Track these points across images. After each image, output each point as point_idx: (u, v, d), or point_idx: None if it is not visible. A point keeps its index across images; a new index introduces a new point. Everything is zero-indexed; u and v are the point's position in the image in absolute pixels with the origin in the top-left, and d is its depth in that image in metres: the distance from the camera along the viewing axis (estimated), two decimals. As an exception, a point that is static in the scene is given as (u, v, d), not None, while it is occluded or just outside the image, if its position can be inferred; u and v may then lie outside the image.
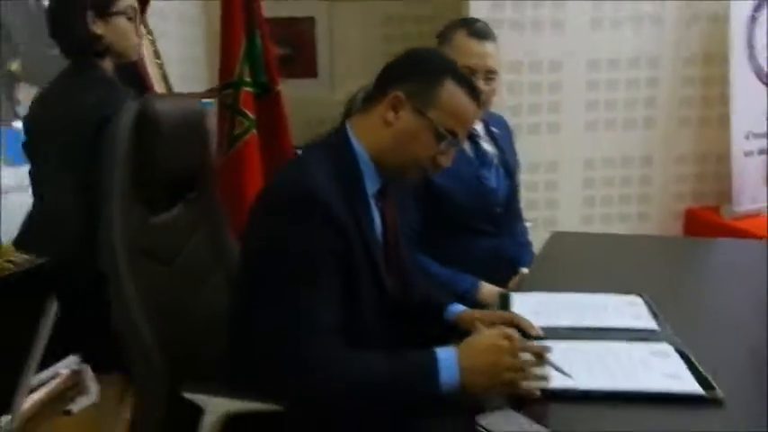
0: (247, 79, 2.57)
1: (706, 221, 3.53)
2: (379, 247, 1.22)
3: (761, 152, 3.54)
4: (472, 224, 1.79)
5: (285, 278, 1.07)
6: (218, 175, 2.56)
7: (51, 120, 1.68)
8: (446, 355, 1.03)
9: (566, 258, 1.94)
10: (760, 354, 1.23)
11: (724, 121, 3.48)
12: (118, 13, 1.74)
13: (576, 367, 1.10)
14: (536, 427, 0.89)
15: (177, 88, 3.11)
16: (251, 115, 2.57)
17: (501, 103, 3.45)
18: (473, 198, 1.79)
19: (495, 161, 1.86)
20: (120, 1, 1.75)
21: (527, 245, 2.01)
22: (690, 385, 1.08)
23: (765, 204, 3.49)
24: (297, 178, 1.16)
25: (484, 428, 0.91)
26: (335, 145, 1.21)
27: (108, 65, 1.77)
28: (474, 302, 1.60)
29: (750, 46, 3.48)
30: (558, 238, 2.10)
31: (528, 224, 2.71)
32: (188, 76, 3.34)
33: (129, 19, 1.77)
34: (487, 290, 1.68)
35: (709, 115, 3.65)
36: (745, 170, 3.44)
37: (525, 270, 1.62)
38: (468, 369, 1.01)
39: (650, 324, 1.36)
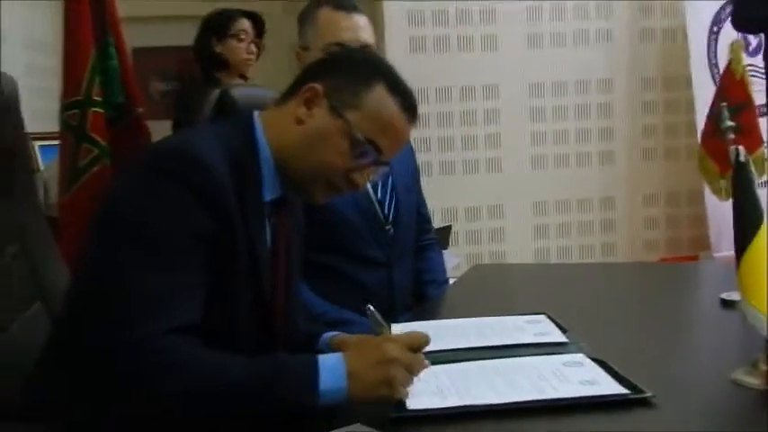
0: (97, 98, 2.55)
1: (683, 273, 3.61)
2: (266, 263, 1.20)
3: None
4: (363, 250, 1.79)
5: (133, 258, 1.04)
6: (61, 216, 2.52)
7: None
8: (330, 359, 1.06)
9: (477, 289, 1.97)
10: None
11: (693, 153, 3.64)
12: (232, 36, 2.99)
13: (477, 386, 1.12)
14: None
15: (25, 102, 3.17)
16: (102, 142, 2.53)
17: (430, 137, 3.56)
18: (362, 214, 1.80)
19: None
20: (234, 24, 3.00)
21: (439, 282, 2.00)
22: (612, 388, 1.09)
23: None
24: (180, 141, 1.16)
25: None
26: (237, 130, 1.21)
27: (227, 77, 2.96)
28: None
29: (713, 65, 3.71)
30: (478, 271, 2.12)
31: (454, 259, 2.71)
32: (36, 87, 3.33)
33: (240, 40, 3.00)
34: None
35: (676, 146, 3.82)
36: (721, 209, 3.55)
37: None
38: (355, 375, 1.04)
39: (558, 338, 1.38)
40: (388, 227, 1.83)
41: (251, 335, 1.19)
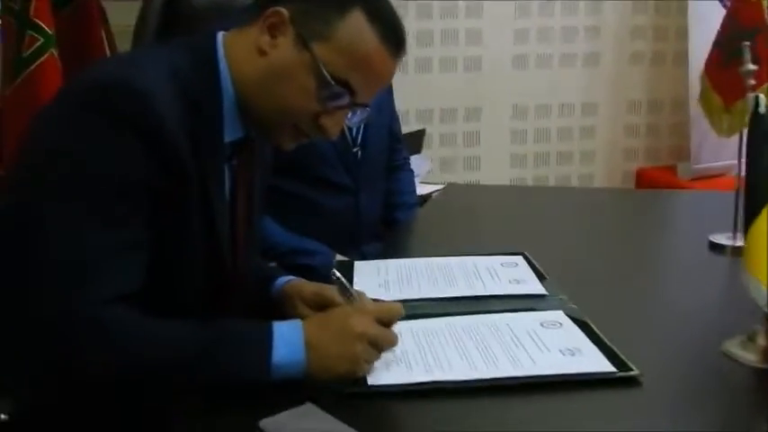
0: (41, -21, 2.32)
1: (659, 184, 3.53)
2: (224, 214, 1.07)
3: (725, 97, 3.57)
4: (328, 174, 1.66)
5: (65, 214, 0.91)
6: (4, 110, 2.34)
7: None
8: (287, 329, 0.95)
9: (449, 216, 1.86)
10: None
11: (681, 59, 3.48)
12: None
13: (445, 355, 1.02)
14: (342, 427, 0.80)
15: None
16: (48, 29, 2.31)
17: (407, 30, 3.32)
18: None
19: None
20: None
21: (408, 205, 1.89)
22: (597, 363, 1.00)
23: (730, 162, 3.51)
24: (121, 70, 0.99)
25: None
26: (196, 58, 1.04)
27: None
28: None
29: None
30: (451, 193, 2.02)
31: (426, 164, 2.59)
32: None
33: None
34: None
35: (664, 50, 3.65)
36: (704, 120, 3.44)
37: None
38: (314, 348, 0.94)
39: (536, 287, 1.28)
40: (355, 149, 1.69)
41: (202, 287, 1.07)
